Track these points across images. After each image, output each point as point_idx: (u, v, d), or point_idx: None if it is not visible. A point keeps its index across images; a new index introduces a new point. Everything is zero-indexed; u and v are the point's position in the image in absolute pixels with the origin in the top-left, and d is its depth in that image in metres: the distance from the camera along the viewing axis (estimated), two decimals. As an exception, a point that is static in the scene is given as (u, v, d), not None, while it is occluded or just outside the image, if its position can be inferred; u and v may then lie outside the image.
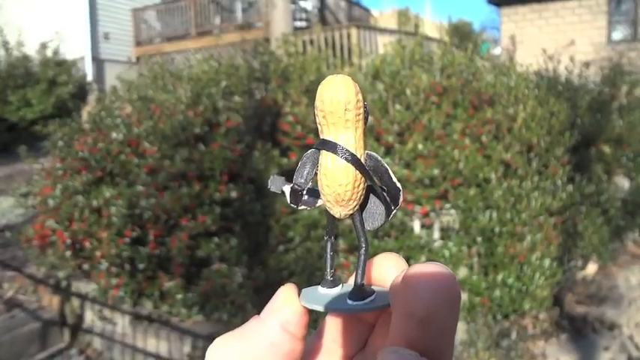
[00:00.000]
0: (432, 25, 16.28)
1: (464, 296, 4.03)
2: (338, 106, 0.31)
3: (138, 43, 12.87)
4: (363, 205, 0.35)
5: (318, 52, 6.95)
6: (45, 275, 4.64)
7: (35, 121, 8.28)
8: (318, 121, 0.33)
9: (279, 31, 7.94)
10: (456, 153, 4.31)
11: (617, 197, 5.70)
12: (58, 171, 4.59)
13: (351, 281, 0.35)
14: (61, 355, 4.32)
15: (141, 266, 4.13)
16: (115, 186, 4.44)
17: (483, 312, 4.07)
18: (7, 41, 9.93)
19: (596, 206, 5.33)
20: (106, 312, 4.35)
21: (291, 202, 0.35)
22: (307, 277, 3.90)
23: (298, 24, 11.58)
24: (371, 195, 0.35)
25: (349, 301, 0.33)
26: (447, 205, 4.40)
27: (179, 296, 4.09)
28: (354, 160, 0.32)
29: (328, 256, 0.36)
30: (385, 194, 0.34)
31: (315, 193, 0.35)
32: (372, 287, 0.34)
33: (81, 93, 10.44)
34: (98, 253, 4.16)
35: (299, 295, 0.33)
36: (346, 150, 0.32)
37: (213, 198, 4.22)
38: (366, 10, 15.73)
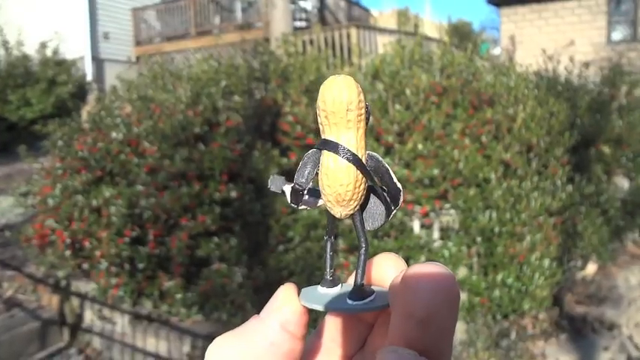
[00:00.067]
0: (432, 25, 16.28)
1: (463, 296, 4.03)
2: (340, 107, 0.31)
3: (138, 43, 12.87)
4: (363, 206, 0.35)
5: (318, 52, 6.95)
6: (44, 275, 4.64)
7: (35, 121, 8.29)
8: (319, 121, 0.33)
9: (278, 31, 7.94)
10: (456, 153, 4.31)
11: (616, 197, 5.70)
12: (57, 170, 4.59)
13: (351, 281, 0.35)
14: (60, 355, 4.32)
15: (140, 266, 4.13)
16: (114, 185, 4.44)
17: (483, 312, 4.07)
18: (7, 41, 9.93)
19: (596, 206, 5.33)
20: (106, 311, 4.35)
21: (291, 202, 0.35)
22: (307, 276, 3.90)
23: (298, 24, 11.58)
24: (371, 195, 0.35)
25: (349, 301, 0.33)
26: (447, 205, 4.40)
27: (179, 296, 4.10)
28: (355, 161, 0.32)
29: (328, 255, 0.36)
30: (385, 194, 0.34)
31: (315, 193, 0.35)
32: (372, 287, 0.34)
33: (81, 92, 10.43)
34: (98, 253, 4.16)
35: (298, 294, 0.33)
36: (348, 150, 0.32)
37: (213, 198, 4.22)
38: (366, 10, 15.73)
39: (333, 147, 0.32)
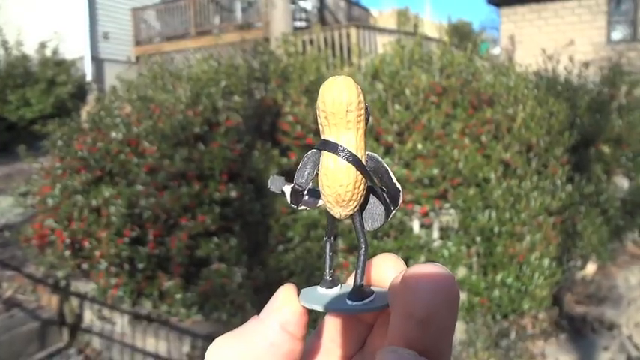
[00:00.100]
0: (432, 25, 16.27)
1: (463, 296, 4.03)
2: (340, 107, 0.32)
3: (137, 43, 12.86)
4: (363, 206, 0.35)
5: (318, 51, 6.94)
6: (44, 275, 4.63)
7: (34, 121, 8.29)
8: (319, 121, 0.33)
9: (278, 31, 7.94)
10: (456, 153, 4.31)
11: (616, 197, 5.70)
12: (57, 170, 4.59)
13: (350, 281, 0.35)
14: (60, 355, 4.32)
15: (140, 266, 4.13)
16: (114, 185, 4.44)
17: (482, 312, 4.08)
18: (7, 41, 9.92)
19: (596, 206, 5.34)
20: (105, 311, 4.35)
21: (291, 203, 0.35)
22: (306, 276, 3.90)
23: (298, 24, 11.58)
24: (371, 196, 0.35)
25: (349, 301, 0.33)
26: (447, 205, 4.40)
27: (178, 296, 4.09)
28: (355, 161, 0.32)
29: (328, 256, 0.36)
30: (385, 195, 0.35)
31: (315, 193, 0.35)
32: (371, 288, 0.35)
33: (80, 93, 10.43)
34: (97, 253, 4.16)
35: (298, 295, 0.33)
36: (347, 151, 0.32)
37: (212, 198, 4.22)
38: (366, 10, 15.73)
39: (332, 148, 0.32)
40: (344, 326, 0.35)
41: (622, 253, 5.74)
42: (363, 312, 0.33)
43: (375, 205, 0.35)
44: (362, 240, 0.34)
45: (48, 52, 10.08)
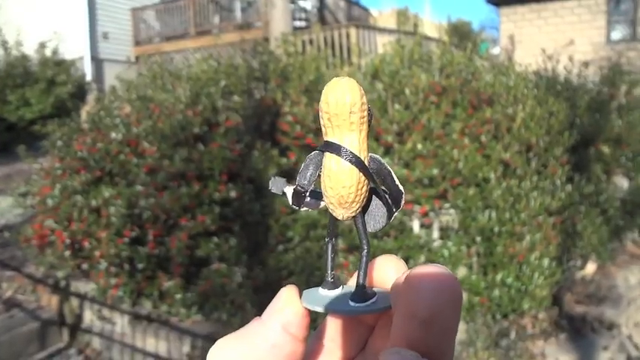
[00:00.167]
0: (431, 25, 16.27)
1: (463, 296, 4.03)
2: (343, 109, 0.31)
3: (137, 43, 12.86)
4: (365, 207, 0.35)
5: (318, 51, 6.94)
6: (44, 275, 4.63)
7: (34, 121, 8.29)
8: (322, 123, 0.33)
9: (278, 31, 7.94)
10: (455, 153, 4.31)
11: (616, 197, 5.70)
12: (56, 171, 4.59)
13: (351, 283, 0.35)
14: (59, 355, 4.32)
15: (140, 266, 4.13)
16: (114, 186, 4.43)
17: (482, 312, 4.08)
18: (6, 41, 9.91)
19: (595, 206, 5.34)
20: (105, 312, 4.35)
21: (293, 204, 0.35)
22: (306, 277, 3.90)
23: (297, 24, 11.58)
24: (373, 197, 0.35)
25: (351, 303, 0.33)
26: (446, 205, 4.40)
27: (178, 296, 4.09)
28: (358, 163, 0.32)
29: (329, 257, 0.36)
30: (387, 196, 0.34)
31: (317, 194, 0.35)
32: (373, 289, 0.34)
33: (80, 93, 10.43)
34: (97, 253, 4.15)
35: (300, 296, 0.33)
36: (350, 152, 0.32)
37: (212, 198, 4.22)
38: (365, 10, 15.73)
39: (335, 149, 0.32)
40: (345, 328, 0.35)
41: (622, 253, 5.74)
42: (366, 313, 0.33)
43: (377, 207, 0.35)
44: (364, 241, 0.34)
45: (47, 52, 10.08)
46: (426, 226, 4.36)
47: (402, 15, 15.65)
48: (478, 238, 4.19)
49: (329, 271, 0.36)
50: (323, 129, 0.33)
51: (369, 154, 0.34)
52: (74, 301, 4.53)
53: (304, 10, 12.86)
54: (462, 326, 4.01)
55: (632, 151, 5.92)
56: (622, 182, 6.13)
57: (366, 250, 0.34)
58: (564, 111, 4.98)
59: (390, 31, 9.72)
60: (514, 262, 4.12)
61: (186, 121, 4.38)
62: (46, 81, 9.72)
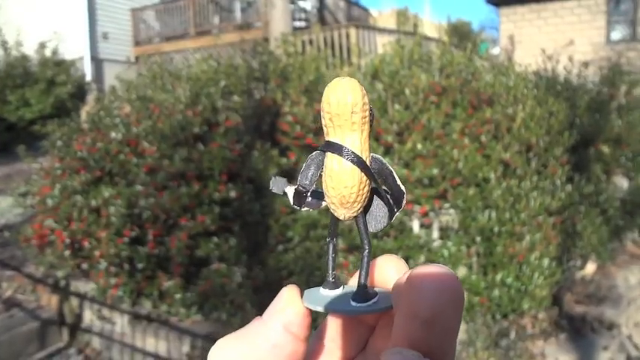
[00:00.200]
0: (431, 25, 16.27)
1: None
2: (345, 109, 0.31)
3: (137, 43, 12.86)
4: (366, 208, 0.35)
5: (317, 51, 6.95)
6: (44, 275, 4.63)
7: (34, 121, 8.29)
8: (323, 123, 0.33)
9: (278, 31, 7.94)
10: (455, 153, 4.31)
11: (616, 197, 5.71)
12: (56, 171, 4.59)
13: (352, 283, 0.35)
14: (59, 355, 4.32)
15: (140, 266, 4.13)
16: (113, 186, 4.43)
17: (482, 312, 4.08)
18: (6, 41, 9.91)
19: (595, 206, 5.34)
20: (105, 311, 4.35)
21: (294, 204, 0.35)
22: (306, 277, 3.90)
23: (297, 24, 11.58)
24: (374, 197, 0.35)
25: (353, 303, 0.33)
26: (446, 205, 4.40)
27: (178, 296, 4.09)
28: (359, 163, 0.32)
29: (330, 257, 0.36)
30: (389, 197, 0.34)
31: (318, 194, 0.35)
32: (375, 289, 0.34)
33: (80, 93, 10.42)
34: (97, 253, 4.15)
35: (301, 296, 0.33)
36: (352, 152, 0.32)
37: (212, 198, 4.22)
38: (365, 10, 15.73)
39: (337, 149, 0.32)
40: (345, 328, 0.35)
41: (622, 253, 5.74)
42: (368, 313, 0.33)
43: (378, 207, 0.35)
44: (365, 241, 0.34)
45: (47, 53, 10.07)
46: (425, 226, 4.36)
47: (401, 15, 15.65)
48: (478, 238, 4.19)
49: (330, 271, 0.36)
50: (324, 129, 0.33)
51: (371, 154, 0.34)
52: (74, 301, 4.53)
53: (304, 11, 12.86)
54: (461, 326, 4.00)
55: (631, 151, 5.92)
56: (622, 182, 6.13)
57: (367, 250, 0.34)
58: (564, 111, 4.98)
59: (389, 32, 9.72)
60: (514, 262, 4.12)
61: (186, 121, 4.38)
62: (46, 81, 9.72)
